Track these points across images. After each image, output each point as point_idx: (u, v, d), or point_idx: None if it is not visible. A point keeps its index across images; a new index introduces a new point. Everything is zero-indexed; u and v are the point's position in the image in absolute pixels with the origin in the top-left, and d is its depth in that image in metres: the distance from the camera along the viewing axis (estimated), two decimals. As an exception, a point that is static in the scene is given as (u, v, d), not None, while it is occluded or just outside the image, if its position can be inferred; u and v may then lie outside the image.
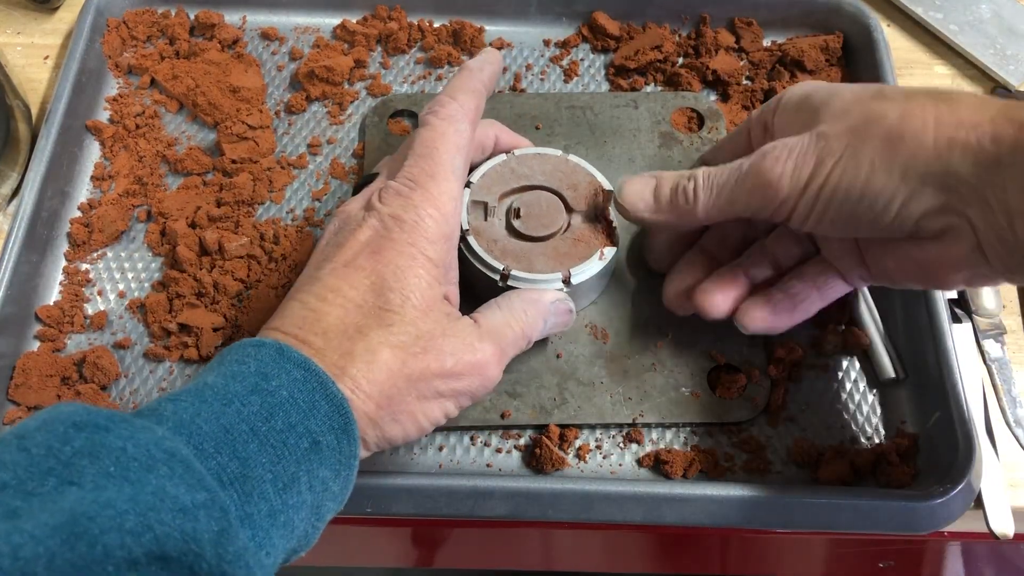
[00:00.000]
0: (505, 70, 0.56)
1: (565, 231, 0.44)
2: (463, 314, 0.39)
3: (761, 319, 0.41)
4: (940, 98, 0.35)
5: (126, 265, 0.48)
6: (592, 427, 0.44)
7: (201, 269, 0.47)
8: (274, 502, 0.30)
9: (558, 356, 0.45)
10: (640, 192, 0.42)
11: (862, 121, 0.36)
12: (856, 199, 0.36)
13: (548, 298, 0.41)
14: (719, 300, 0.42)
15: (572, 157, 0.45)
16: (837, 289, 0.42)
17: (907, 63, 0.58)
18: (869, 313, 0.46)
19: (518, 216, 0.43)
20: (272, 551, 0.30)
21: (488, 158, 0.45)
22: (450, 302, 0.39)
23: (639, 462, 0.43)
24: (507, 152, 0.45)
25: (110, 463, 0.26)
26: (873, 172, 0.35)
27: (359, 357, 0.34)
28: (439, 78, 0.55)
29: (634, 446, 0.44)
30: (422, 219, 0.37)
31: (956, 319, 0.47)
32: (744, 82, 0.55)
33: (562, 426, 0.43)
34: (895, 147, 0.35)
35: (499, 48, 0.56)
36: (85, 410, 0.28)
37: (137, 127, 0.52)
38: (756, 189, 0.38)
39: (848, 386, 0.46)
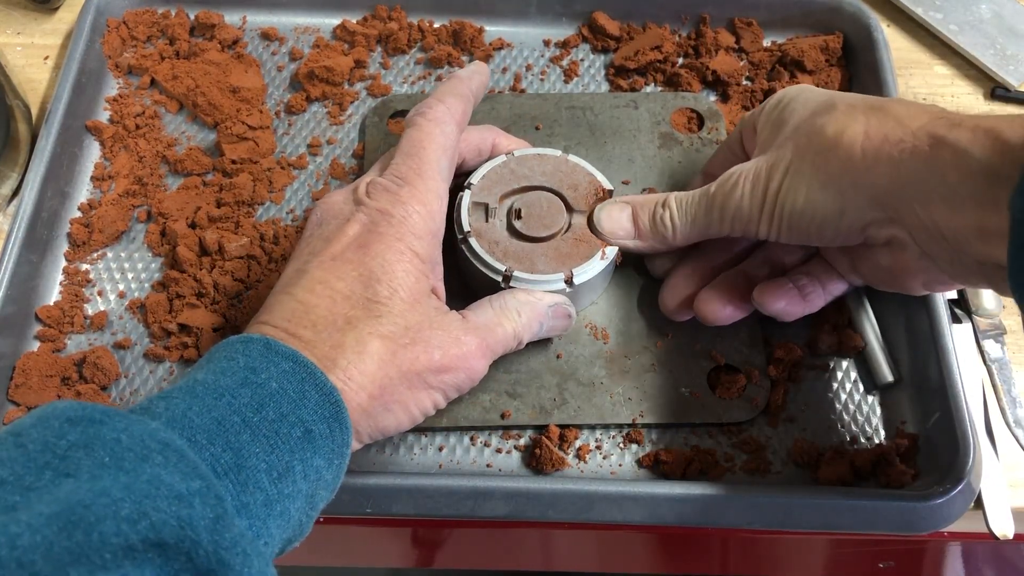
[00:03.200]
0: (505, 70, 0.56)
1: (566, 231, 0.44)
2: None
3: (775, 301, 0.42)
4: (874, 109, 0.37)
5: (126, 265, 0.48)
6: (592, 427, 0.44)
7: (201, 269, 0.47)
8: (269, 491, 0.30)
9: (558, 356, 0.45)
10: (618, 221, 0.43)
11: (805, 138, 0.38)
12: (800, 214, 0.38)
13: (547, 301, 0.41)
14: (718, 307, 0.42)
15: (572, 157, 0.45)
16: (838, 287, 0.44)
17: (907, 63, 0.58)
18: (866, 316, 0.46)
19: (519, 217, 0.43)
20: (270, 540, 0.30)
21: (487, 160, 0.45)
22: (437, 297, 0.39)
23: (639, 462, 0.43)
24: (507, 153, 0.45)
25: (105, 454, 0.26)
26: (811, 188, 0.37)
27: (349, 348, 0.34)
28: (439, 78, 0.56)
29: (634, 446, 0.44)
30: (409, 215, 0.38)
31: (956, 319, 0.47)
32: (744, 82, 0.55)
33: (562, 426, 0.43)
34: (829, 162, 0.37)
35: (499, 48, 0.57)
36: (80, 405, 0.28)
37: (137, 127, 0.52)
38: (723, 215, 0.41)
39: (848, 386, 0.46)
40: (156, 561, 0.25)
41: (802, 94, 0.41)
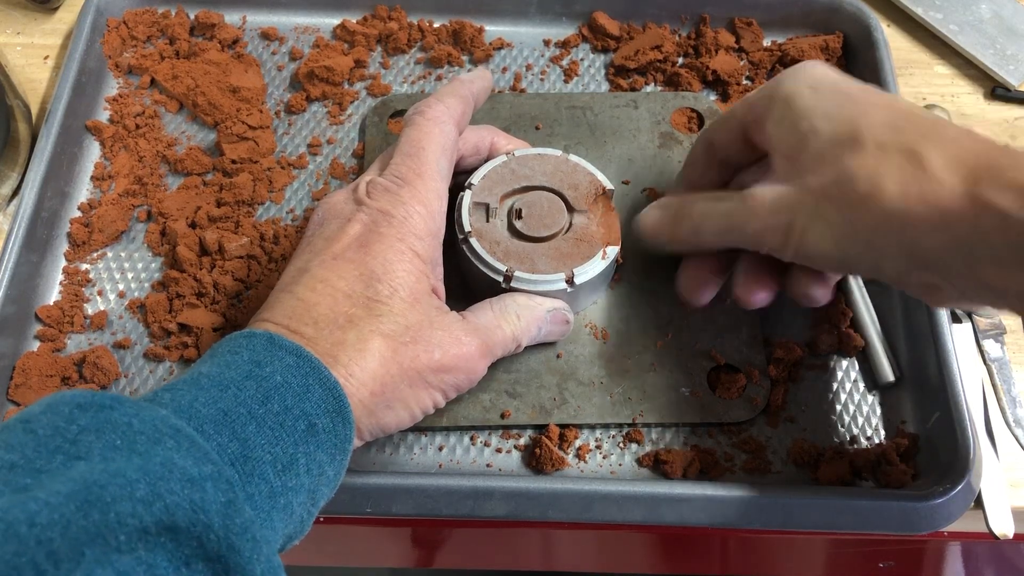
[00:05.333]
0: (505, 70, 0.56)
1: (567, 231, 0.44)
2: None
3: (814, 287, 0.41)
4: (906, 155, 0.34)
5: (126, 265, 0.48)
6: (592, 427, 0.44)
7: (201, 269, 0.47)
8: (274, 484, 0.30)
9: (558, 356, 0.45)
10: (657, 225, 0.43)
11: (832, 180, 0.35)
12: (829, 257, 0.36)
13: (546, 306, 0.41)
14: (754, 291, 0.41)
15: (572, 157, 0.45)
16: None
17: (907, 63, 0.58)
18: (867, 315, 0.46)
19: (520, 217, 0.43)
20: (273, 534, 0.30)
21: (487, 160, 0.45)
22: (437, 297, 0.39)
23: (639, 462, 0.43)
24: (507, 153, 0.45)
25: (116, 437, 0.27)
26: (842, 238, 0.35)
27: (350, 345, 0.34)
28: (439, 78, 0.56)
29: (634, 446, 0.44)
30: (410, 215, 0.38)
31: (956, 319, 0.47)
32: (744, 82, 0.55)
33: (562, 426, 0.43)
34: (861, 216, 0.35)
35: (499, 48, 0.57)
36: (89, 392, 0.28)
37: (137, 127, 0.52)
38: (746, 240, 0.39)
39: (848, 386, 0.46)
40: (168, 546, 0.25)
41: (816, 94, 0.38)
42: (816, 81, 0.39)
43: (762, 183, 0.39)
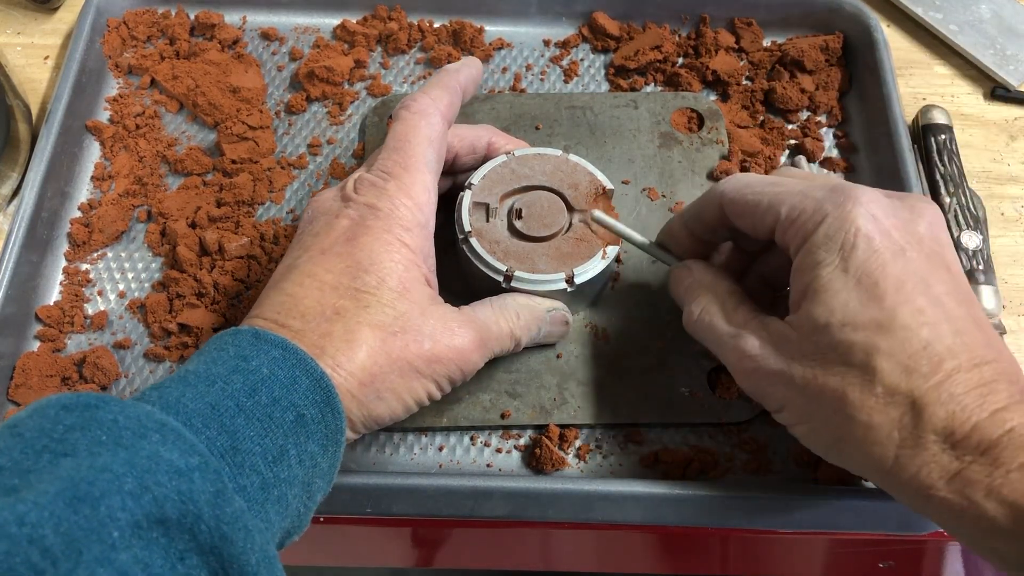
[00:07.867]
0: (505, 70, 0.56)
1: (567, 231, 0.44)
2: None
3: None
4: (912, 408, 0.32)
5: (126, 265, 0.48)
6: (592, 427, 0.44)
7: (201, 269, 0.47)
8: (265, 475, 0.30)
9: (558, 356, 0.45)
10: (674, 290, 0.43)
11: (816, 391, 0.34)
12: (794, 431, 0.36)
13: (545, 306, 0.41)
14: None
15: (572, 157, 0.45)
16: None
17: (907, 63, 0.58)
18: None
19: (520, 217, 0.43)
20: (268, 526, 0.30)
21: (484, 160, 0.45)
22: (430, 288, 0.39)
23: (639, 462, 0.43)
24: (507, 153, 0.45)
25: (101, 433, 0.27)
26: (817, 444, 0.35)
27: (338, 337, 0.35)
28: (439, 78, 0.55)
29: (634, 446, 0.44)
30: (397, 208, 0.38)
31: (956, 319, 0.47)
32: (744, 82, 0.55)
33: (562, 426, 0.43)
34: (850, 453, 0.34)
35: (499, 48, 0.57)
36: (75, 394, 0.28)
37: (137, 127, 0.52)
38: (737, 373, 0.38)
39: (848, 386, 0.46)
40: (161, 541, 0.25)
41: (849, 274, 0.34)
42: (863, 211, 0.34)
43: (766, 331, 0.37)
